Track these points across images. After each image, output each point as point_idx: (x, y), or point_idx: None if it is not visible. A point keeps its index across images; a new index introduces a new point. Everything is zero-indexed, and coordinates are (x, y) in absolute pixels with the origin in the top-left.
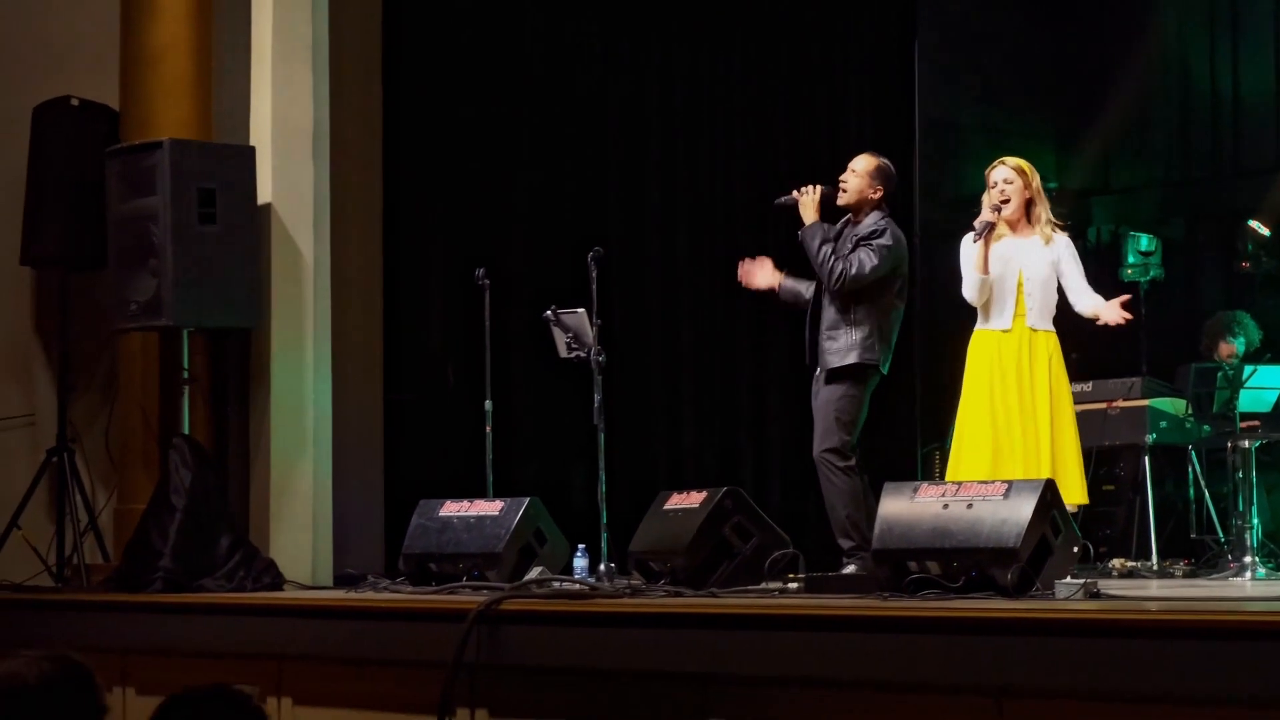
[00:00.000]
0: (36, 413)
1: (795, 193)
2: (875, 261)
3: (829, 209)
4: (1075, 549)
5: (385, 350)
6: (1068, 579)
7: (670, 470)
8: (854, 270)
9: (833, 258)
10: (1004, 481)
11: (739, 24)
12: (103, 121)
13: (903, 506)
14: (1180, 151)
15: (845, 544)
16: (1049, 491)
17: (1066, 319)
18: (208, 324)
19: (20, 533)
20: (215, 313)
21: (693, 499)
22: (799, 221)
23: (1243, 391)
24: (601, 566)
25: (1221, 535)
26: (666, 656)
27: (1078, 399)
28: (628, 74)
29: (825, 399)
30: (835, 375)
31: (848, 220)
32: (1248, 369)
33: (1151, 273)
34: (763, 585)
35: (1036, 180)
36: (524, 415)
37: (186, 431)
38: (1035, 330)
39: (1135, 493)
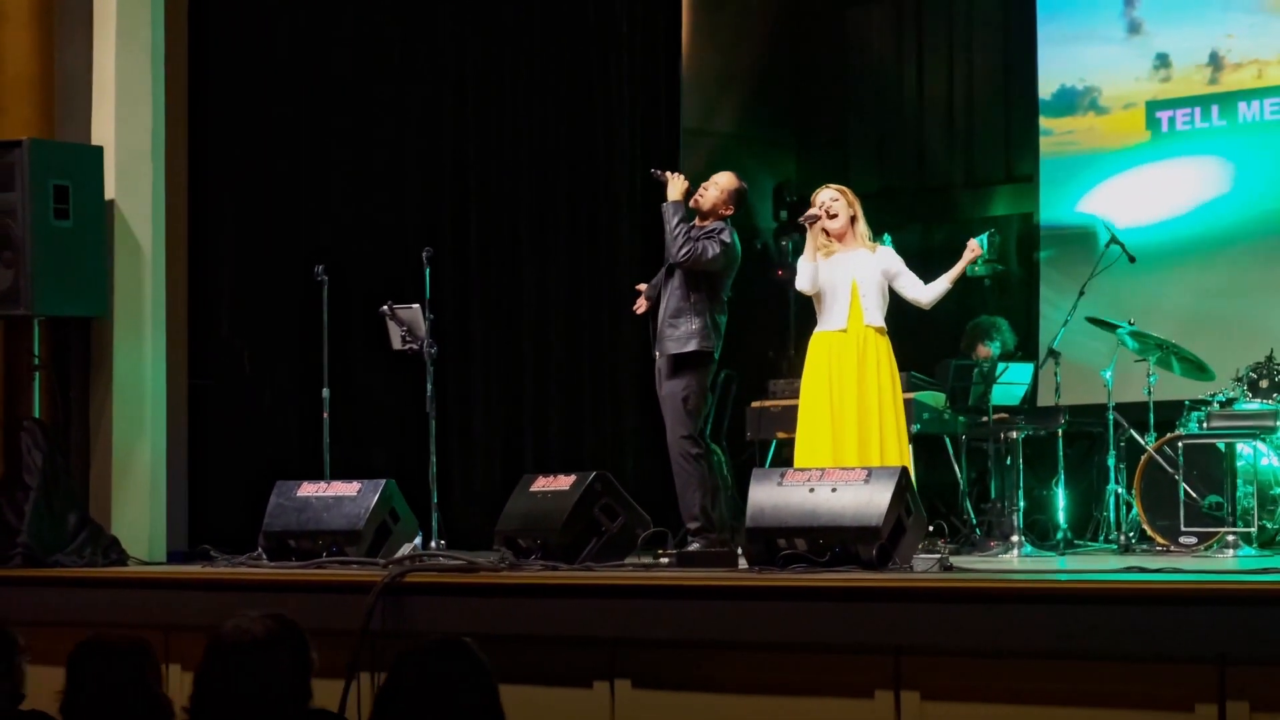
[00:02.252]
0: None
1: (669, 174)
2: (717, 250)
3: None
4: (921, 529)
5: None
6: (919, 555)
7: (498, 454)
8: (699, 250)
9: (684, 234)
10: (864, 468)
11: (522, 32)
12: None
13: (772, 490)
14: (916, 160)
15: (692, 525)
16: (904, 477)
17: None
18: (62, 313)
19: None
20: (68, 302)
21: (561, 482)
22: (662, 195)
23: (995, 386)
24: (433, 544)
25: (974, 518)
26: (574, 623)
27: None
28: (426, 78)
29: (671, 389)
30: (677, 363)
31: (693, 224)
32: (1000, 365)
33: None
34: (628, 560)
35: (857, 202)
36: (357, 402)
37: (37, 414)
38: (870, 327)
39: None
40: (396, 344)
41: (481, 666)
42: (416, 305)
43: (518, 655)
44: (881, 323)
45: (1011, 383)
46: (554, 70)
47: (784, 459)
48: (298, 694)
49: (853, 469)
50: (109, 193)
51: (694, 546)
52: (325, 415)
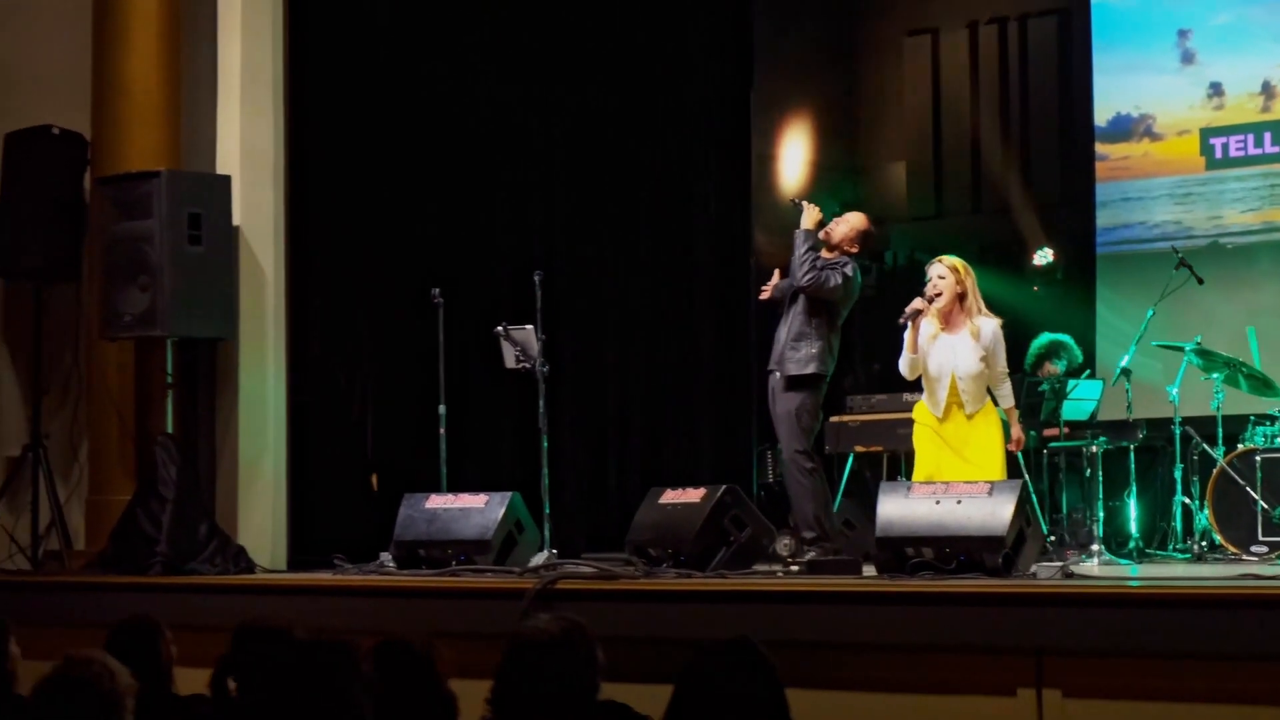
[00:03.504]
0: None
1: (806, 203)
2: (838, 281)
3: None
4: (1039, 540)
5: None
6: (1038, 563)
7: (600, 469)
8: (822, 279)
9: (810, 262)
10: (986, 482)
11: (605, 65)
12: (77, 148)
13: (900, 502)
14: (973, 184)
15: (808, 534)
16: (1024, 491)
17: (873, 330)
18: (194, 334)
19: None
20: (199, 324)
21: (691, 494)
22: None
23: (1065, 402)
24: (544, 553)
25: (1045, 527)
26: (732, 627)
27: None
28: (518, 109)
29: (787, 406)
30: (795, 383)
31: (819, 254)
32: (1071, 382)
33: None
34: (753, 568)
35: (970, 278)
36: (472, 419)
37: (170, 430)
38: (971, 416)
39: None
40: (510, 363)
41: (770, 666)
42: (530, 326)
43: (670, 655)
44: (983, 403)
45: (1081, 399)
46: (634, 98)
47: (860, 473)
48: (588, 687)
49: (975, 483)
50: (235, 219)
51: (810, 555)
52: (441, 431)
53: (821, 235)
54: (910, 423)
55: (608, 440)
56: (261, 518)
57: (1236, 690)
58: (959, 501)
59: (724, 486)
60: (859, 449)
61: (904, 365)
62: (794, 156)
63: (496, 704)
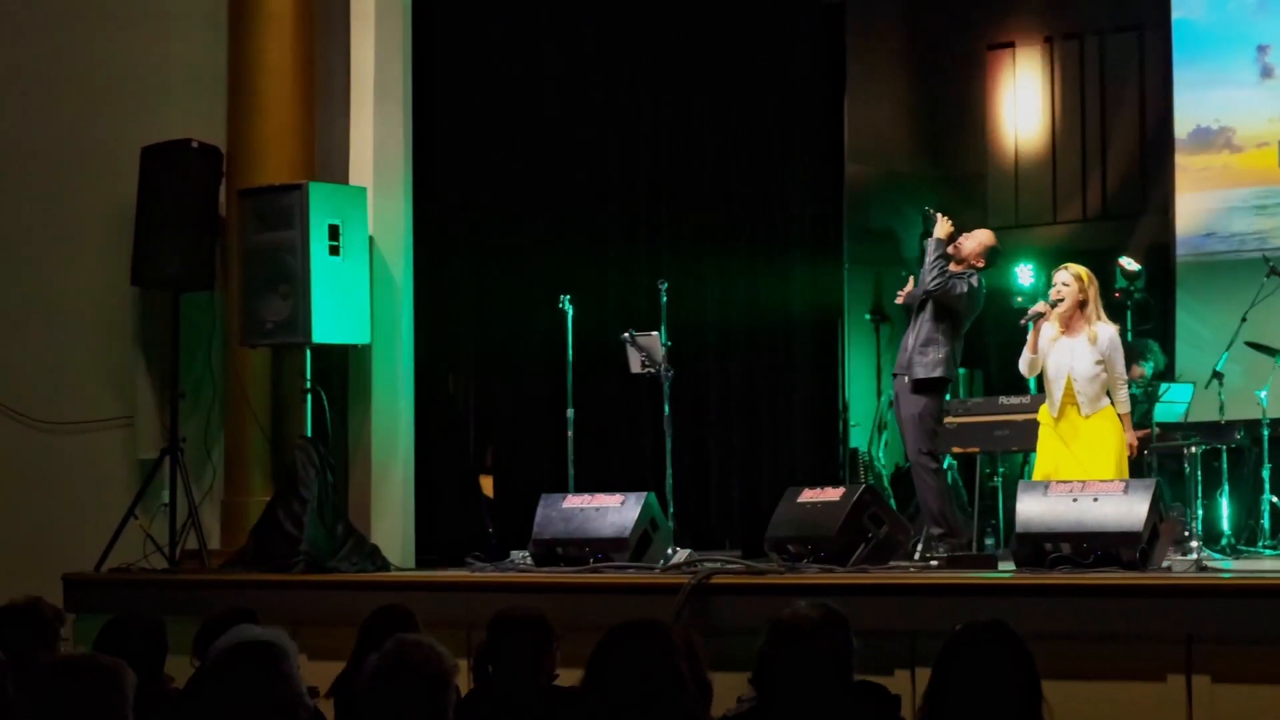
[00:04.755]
0: (135, 416)
1: (940, 215)
2: (964, 290)
3: None
4: (1170, 535)
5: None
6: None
7: (702, 472)
8: (950, 285)
9: (939, 269)
10: (1122, 480)
11: (706, 75)
12: (214, 161)
13: (1038, 500)
14: (1051, 194)
15: (935, 531)
16: (1158, 489)
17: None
18: (333, 341)
19: (138, 521)
20: (338, 331)
21: (830, 493)
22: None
23: (1156, 405)
24: (684, 551)
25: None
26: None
27: (1013, 410)
28: (629, 119)
29: (913, 410)
30: (921, 386)
31: (949, 265)
32: (1163, 385)
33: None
34: (890, 564)
35: (1093, 287)
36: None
37: (309, 434)
38: (1087, 418)
39: None
40: (635, 368)
41: (1025, 647)
42: (655, 333)
43: None
44: (1101, 406)
45: (1173, 401)
46: (733, 108)
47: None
48: (846, 668)
49: (1111, 481)
50: (369, 229)
51: (940, 549)
52: (570, 434)
53: (951, 249)
54: (1008, 424)
55: (708, 445)
56: (392, 519)
57: None
58: (1095, 499)
59: (863, 485)
60: (956, 450)
61: (1024, 364)
62: (882, 165)
63: (759, 683)
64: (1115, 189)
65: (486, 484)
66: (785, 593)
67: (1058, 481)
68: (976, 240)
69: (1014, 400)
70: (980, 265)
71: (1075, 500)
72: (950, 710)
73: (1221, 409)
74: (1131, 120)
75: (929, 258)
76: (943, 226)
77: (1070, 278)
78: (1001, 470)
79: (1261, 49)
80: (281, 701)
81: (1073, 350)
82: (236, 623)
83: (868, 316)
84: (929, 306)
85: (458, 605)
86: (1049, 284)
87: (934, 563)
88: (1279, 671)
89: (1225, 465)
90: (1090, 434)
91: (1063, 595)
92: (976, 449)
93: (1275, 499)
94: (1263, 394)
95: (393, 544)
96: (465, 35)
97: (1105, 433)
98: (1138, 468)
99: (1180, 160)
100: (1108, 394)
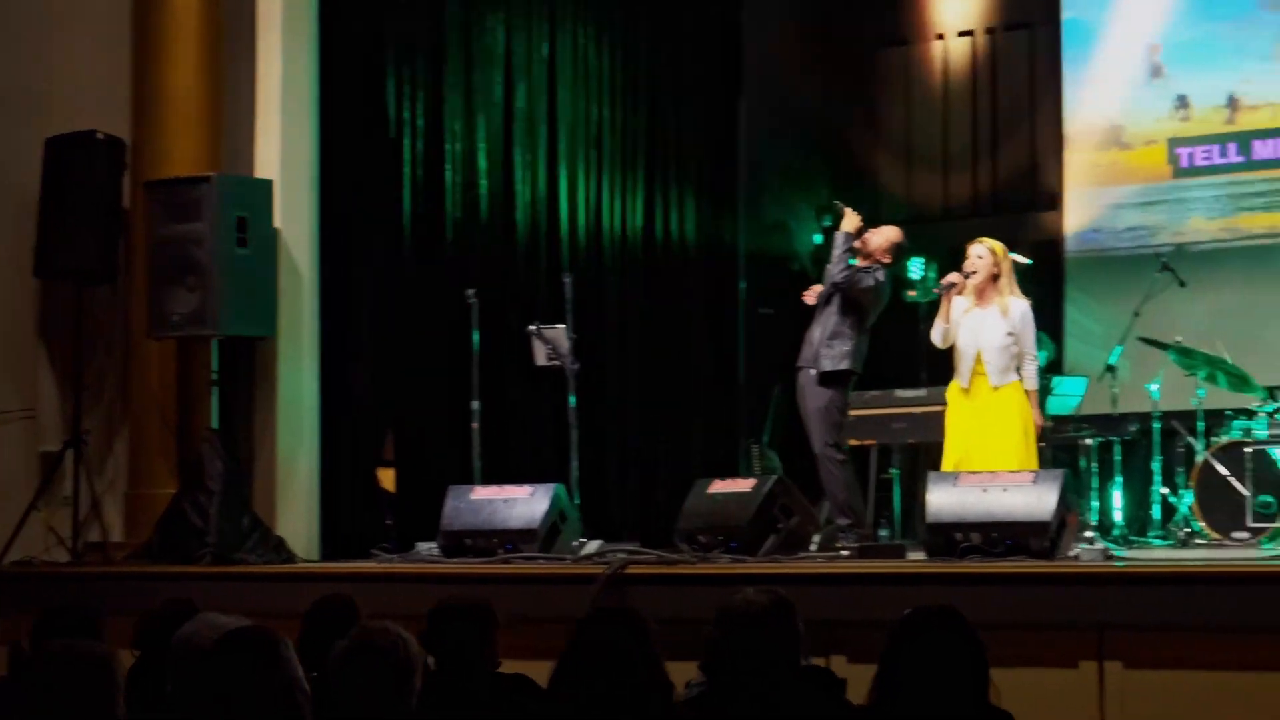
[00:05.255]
0: (37, 409)
1: (848, 209)
2: (871, 283)
3: None
4: (1076, 526)
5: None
6: (1077, 547)
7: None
8: (857, 279)
9: (846, 260)
10: (1030, 471)
11: (604, 74)
12: (119, 153)
13: (948, 491)
14: (942, 190)
15: (843, 521)
16: (1066, 478)
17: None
18: (240, 333)
19: (40, 514)
20: (245, 324)
21: (741, 484)
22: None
23: (1050, 398)
24: (595, 542)
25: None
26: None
27: (909, 403)
28: (532, 114)
29: (819, 402)
30: (828, 378)
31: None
32: (1055, 380)
33: (930, 295)
34: (799, 555)
35: (1007, 261)
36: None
37: (215, 426)
38: (996, 388)
39: None
40: (541, 360)
41: (975, 633)
42: (561, 325)
43: None
44: (1011, 379)
45: (1067, 394)
46: (630, 106)
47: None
48: (794, 654)
49: (1020, 472)
50: (275, 222)
51: (848, 539)
52: (475, 426)
53: (858, 244)
54: (904, 417)
55: (606, 437)
56: (297, 511)
57: None
58: (1005, 490)
59: (774, 476)
60: (853, 442)
61: (937, 335)
62: (777, 163)
63: (708, 670)
64: (1006, 185)
65: (386, 477)
66: (699, 583)
67: (968, 472)
68: (884, 236)
69: (910, 393)
70: (887, 261)
71: (985, 491)
72: (900, 695)
73: (1114, 402)
74: (1022, 117)
75: (836, 251)
76: (850, 220)
77: (985, 250)
78: (898, 463)
79: (1151, 48)
80: (283, 686)
81: (984, 321)
82: (175, 615)
83: (762, 309)
84: (836, 300)
85: (376, 596)
86: (938, 279)
87: (844, 553)
88: (1189, 657)
89: (1118, 458)
90: (999, 406)
91: (976, 584)
92: (873, 441)
93: (1166, 491)
94: (1153, 387)
95: (298, 536)
96: (371, 28)
97: (1013, 405)
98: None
99: (1070, 157)
100: (1017, 370)
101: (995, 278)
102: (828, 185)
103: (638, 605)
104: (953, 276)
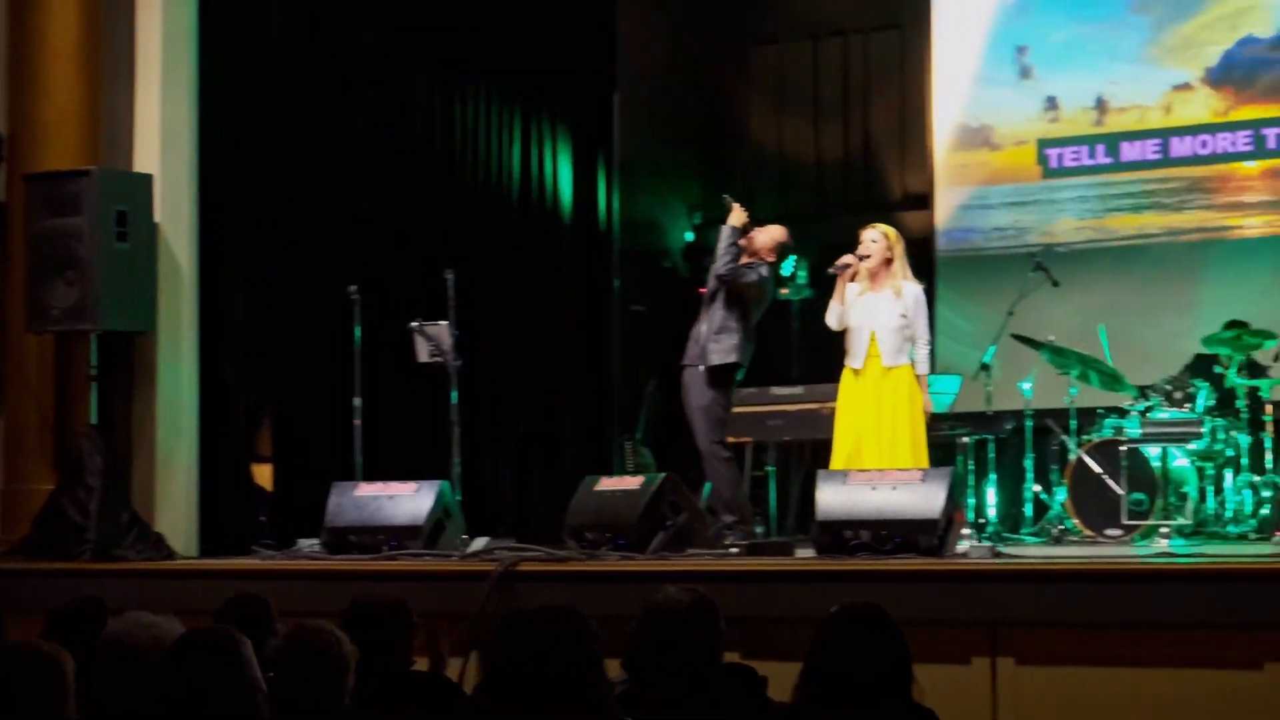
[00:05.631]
0: None
1: (735, 204)
2: (754, 278)
3: None
4: (962, 523)
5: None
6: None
7: (493, 461)
8: (740, 273)
9: (731, 255)
10: (919, 469)
11: (481, 69)
12: None
13: (838, 489)
14: (816, 188)
15: (728, 519)
16: (954, 476)
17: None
18: (120, 328)
19: None
20: (124, 318)
21: (629, 482)
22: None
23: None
24: (482, 539)
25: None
26: None
27: (789, 400)
28: (407, 110)
29: (704, 400)
30: (716, 373)
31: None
32: (929, 378)
33: (803, 293)
34: (688, 551)
35: (900, 245)
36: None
37: (95, 421)
38: (889, 369)
39: None
40: (423, 357)
41: (898, 631)
42: (444, 322)
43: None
44: (903, 362)
45: (941, 392)
46: (507, 102)
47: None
48: (716, 652)
49: (909, 470)
50: (155, 216)
51: (731, 537)
52: (357, 422)
53: (744, 241)
54: (780, 414)
55: (481, 433)
56: (176, 507)
57: (1178, 656)
58: (894, 488)
59: (663, 474)
60: (730, 440)
61: (832, 317)
62: (648, 158)
63: (631, 668)
64: (877, 183)
65: (261, 472)
66: (589, 580)
67: (857, 470)
68: (769, 235)
69: (786, 391)
70: (771, 259)
71: (874, 489)
72: (824, 691)
73: (989, 400)
74: (893, 116)
75: (721, 244)
76: (737, 215)
77: (878, 235)
78: (773, 460)
79: (1020, 50)
80: (244, 687)
81: (877, 303)
82: (84, 613)
83: (634, 306)
84: (721, 295)
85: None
86: (810, 277)
87: (734, 550)
88: (1080, 653)
89: (992, 455)
90: (891, 387)
91: (868, 581)
92: (749, 439)
93: (1038, 488)
94: (1026, 386)
95: (177, 532)
96: (252, 20)
97: (904, 386)
98: None
99: (940, 157)
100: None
101: (889, 261)
102: (699, 183)
103: (530, 603)
104: (847, 258)
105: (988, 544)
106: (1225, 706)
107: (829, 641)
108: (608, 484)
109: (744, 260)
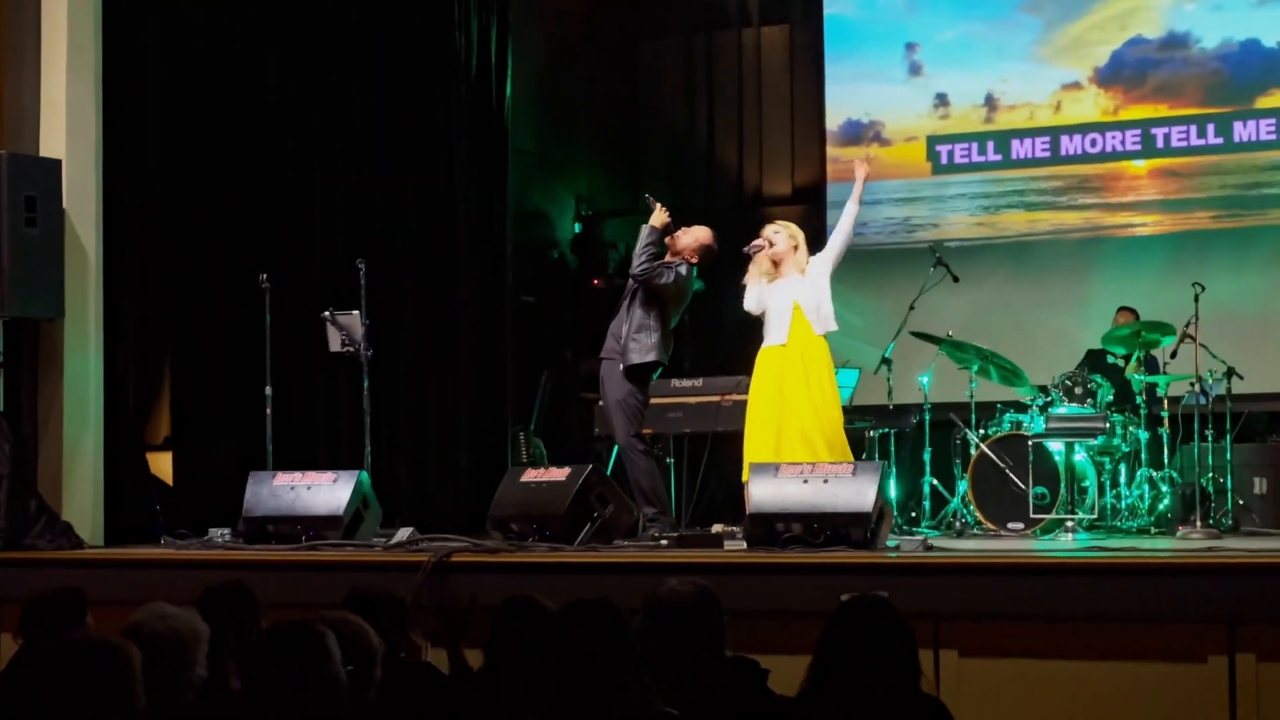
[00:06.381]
0: None
1: (658, 205)
2: (669, 279)
3: None
4: (891, 516)
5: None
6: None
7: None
8: (654, 272)
9: (648, 255)
10: (850, 463)
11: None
12: None
13: (769, 481)
14: (706, 182)
15: (649, 511)
16: (885, 470)
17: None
18: (28, 314)
19: None
20: (33, 305)
21: (555, 473)
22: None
23: None
24: (406, 529)
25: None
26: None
27: (689, 393)
28: (310, 100)
29: (619, 394)
30: (634, 370)
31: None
32: None
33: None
34: (615, 543)
35: (801, 235)
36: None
37: (0, 409)
38: (817, 337)
39: None
40: (335, 347)
41: (905, 624)
42: (355, 312)
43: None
44: (824, 331)
45: (841, 386)
46: (407, 95)
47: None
48: (718, 644)
49: (840, 463)
50: (63, 202)
51: (653, 528)
52: (268, 411)
53: (668, 240)
54: (680, 406)
55: (378, 424)
56: (82, 495)
57: (1127, 649)
58: (826, 481)
59: (590, 465)
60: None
61: (750, 301)
62: (538, 151)
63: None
64: (769, 178)
65: (157, 461)
66: (520, 570)
67: (788, 464)
68: (694, 237)
69: (685, 383)
70: (694, 261)
71: (806, 481)
72: (833, 683)
73: (890, 393)
74: (783, 111)
75: (639, 244)
76: (658, 216)
77: (780, 226)
78: (671, 452)
79: (910, 47)
80: (329, 680)
81: (791, 283)
82: (60, 603)
83: (524, 297)
84: (639, 295)
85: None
86: (699, 272)
87: (663, 542)
88: (1020, 645)
89: (893, 449)
90: (816, 353)
91: (805, 573)
92: (649, 430)
93: (935, 481)
94: (924, 379)
95: (83, 521)
96: (157, 5)
97: (825, 353)
98: None
99: (831, 151)
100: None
101: (795, 248)
102: (588, 175)
103: (460, 594)
104: (760, 240)
105: (920, 537)
106: (1170, 698)
107: (837, 635)
108: (533, 475)
109: (669, 259)
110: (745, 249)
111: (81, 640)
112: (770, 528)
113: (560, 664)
